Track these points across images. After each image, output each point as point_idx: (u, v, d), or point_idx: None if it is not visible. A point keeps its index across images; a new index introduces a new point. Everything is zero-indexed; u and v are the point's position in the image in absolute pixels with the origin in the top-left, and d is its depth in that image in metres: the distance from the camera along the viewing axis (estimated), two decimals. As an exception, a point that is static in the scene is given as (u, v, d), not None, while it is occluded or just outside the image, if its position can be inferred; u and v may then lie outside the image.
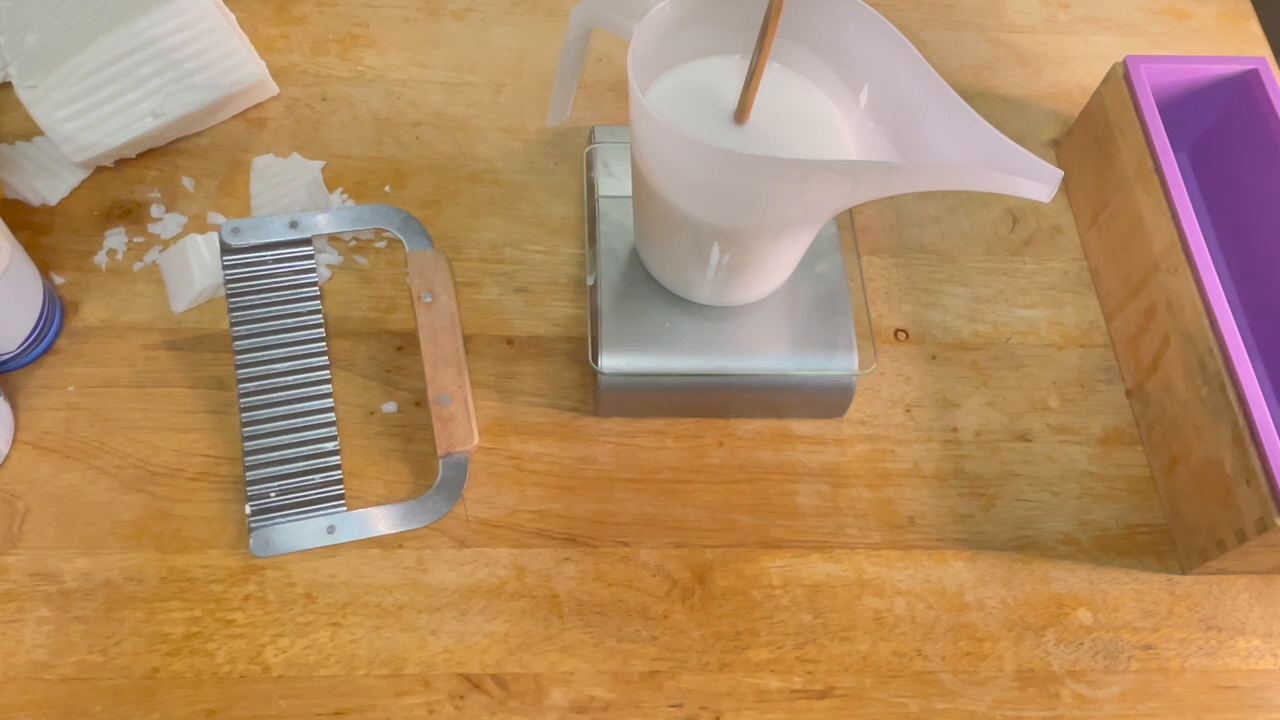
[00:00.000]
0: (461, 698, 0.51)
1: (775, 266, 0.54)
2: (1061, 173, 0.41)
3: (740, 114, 0.49)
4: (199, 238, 0.60)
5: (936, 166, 0.43)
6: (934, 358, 0.63)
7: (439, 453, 0.54)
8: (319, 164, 0.65)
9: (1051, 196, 0.41)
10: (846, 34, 0.48)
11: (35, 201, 0.62)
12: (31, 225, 0.62)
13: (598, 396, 0.57)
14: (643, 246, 0.57)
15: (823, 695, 0.52)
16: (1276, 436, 0.51)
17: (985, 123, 0.43)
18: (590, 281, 0.58)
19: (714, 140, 0.48)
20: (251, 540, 0.53)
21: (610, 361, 0.55)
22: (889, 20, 0.47)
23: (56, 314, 0.58)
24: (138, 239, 0.62)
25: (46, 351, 0.57)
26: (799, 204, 0.47)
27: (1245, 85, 0.64)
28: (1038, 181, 0.41)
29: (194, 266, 0.59)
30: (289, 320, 0.58)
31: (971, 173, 0.42)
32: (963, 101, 0.44)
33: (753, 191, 0.47)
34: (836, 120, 0.51)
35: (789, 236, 0.51)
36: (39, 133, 0.63)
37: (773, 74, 0.51)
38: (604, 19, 0.49)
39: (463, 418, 0.55)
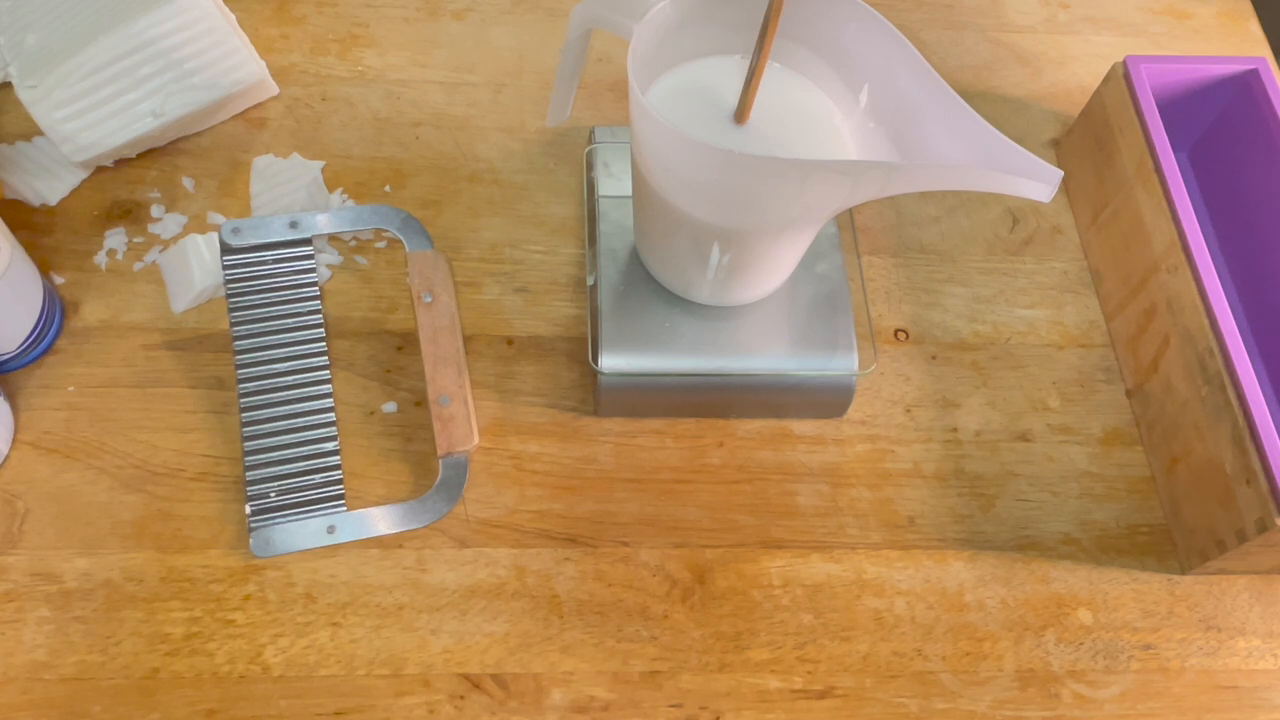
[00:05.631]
0: (462, 698, 0.51)
1: (775, 266, 0.54)
2: (1061, 173, 0.41)
3: (740, 114, 0.49)
4: (199, 238, 0.60)
5: (937, 166, 0.43)
6: (934, 358, 0.63)
7: (439, 453, 0.54)
8: (319, 164, 0.65)
9: (1051, 196, 0.41)
10: (846, 34, 0.49)
11: (35, 201, 0.62)
12: (31, 225, 0.62)
13: (598, 396, 0.57)
14: (643, 246, 0.57)
15: (823, 695, 0.52)
16: (1276, 436, 0.51)
17: (985, 123, 0.43)
18: (590, 281, 0.58)
19: (714, 140, 0.48)
20: (251, 540, 0.53)
21: (610, 361, 0.55)
22: (889, 20, 0.47)
23: (56, 314, 0.58)
24: (138, 239, 0.62)
25: (46, 351, 0.57)
26: (799, 204, 0.47)
27: (1245, 85, 0.64)
28: (1038, 181, 0.41)
29: (194, 266, 0.59)
30: (289, 320, 0.58)
31: (972, 173, 0.42)
32: (963, 101, 0.44)
33: (753, 191, 0.47)
34: (836, 120, 0.51)
35: (789, 236, 0.51)
36: (39, 133, 0.63)
37: (773, 74, 0.51)
38: (604, 19, 0.49)
39: (463, 418, 0.55)
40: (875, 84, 0.49)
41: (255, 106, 0.67)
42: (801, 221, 0.49)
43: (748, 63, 0.48)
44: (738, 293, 0.56)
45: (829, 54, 0.50)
